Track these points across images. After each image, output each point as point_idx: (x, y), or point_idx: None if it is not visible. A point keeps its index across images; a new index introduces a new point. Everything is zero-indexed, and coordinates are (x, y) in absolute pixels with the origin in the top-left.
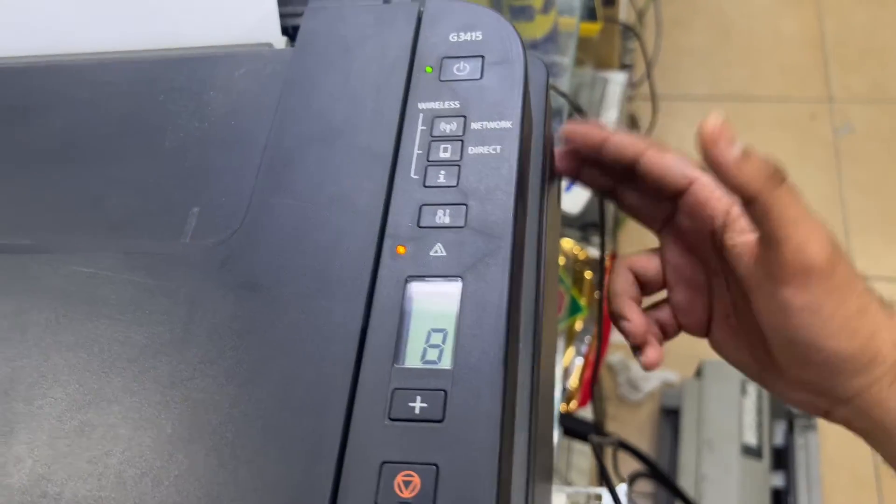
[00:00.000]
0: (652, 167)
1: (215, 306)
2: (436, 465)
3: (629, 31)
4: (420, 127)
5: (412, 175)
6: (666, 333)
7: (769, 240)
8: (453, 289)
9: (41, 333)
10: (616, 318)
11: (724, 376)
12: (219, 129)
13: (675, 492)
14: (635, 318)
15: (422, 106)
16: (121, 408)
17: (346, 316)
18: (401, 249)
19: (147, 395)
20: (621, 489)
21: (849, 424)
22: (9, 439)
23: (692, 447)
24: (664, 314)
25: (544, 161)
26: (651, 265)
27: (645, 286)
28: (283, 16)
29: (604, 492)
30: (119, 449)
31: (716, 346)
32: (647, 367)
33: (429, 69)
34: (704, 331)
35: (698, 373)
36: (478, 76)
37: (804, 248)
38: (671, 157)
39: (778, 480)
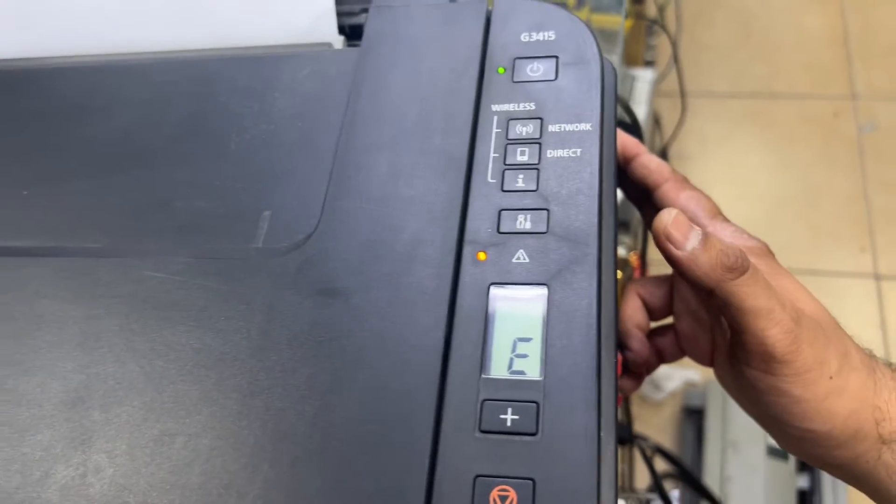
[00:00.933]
0: (665, 203)
1: (293, 313)
2: (532, 479)
3: (652, 27)
4: (495, 129)
5: (489, 179)
6: (664, 358)
7: (731, 327)
8: (539, 296)
9: (115, 340)
10: (619, 345)
11: None
12: (286, 130)
13: (707, 495)
14: (637, 348)
15: (495, 108)
16: (201, 417)
17: (429, 324)
18: (482, 256)
19: (227, 405)
20: (674, 495)
21: (848, 482)
22: (87, 448)
23: (717, 448)
24: (667, 340)
25: (616, 164)
26: (660, 292)
27: (653, 312)
28: (339, 14)
29: (654, 497)
30: (201, 460)
31: (718, 379)
32: (622, 392)
33: (501, 70)
34: (708, 361)
35: None
36: (552, 77)
37: (762, 338)
38: (686, 196)
39: (803, 482)
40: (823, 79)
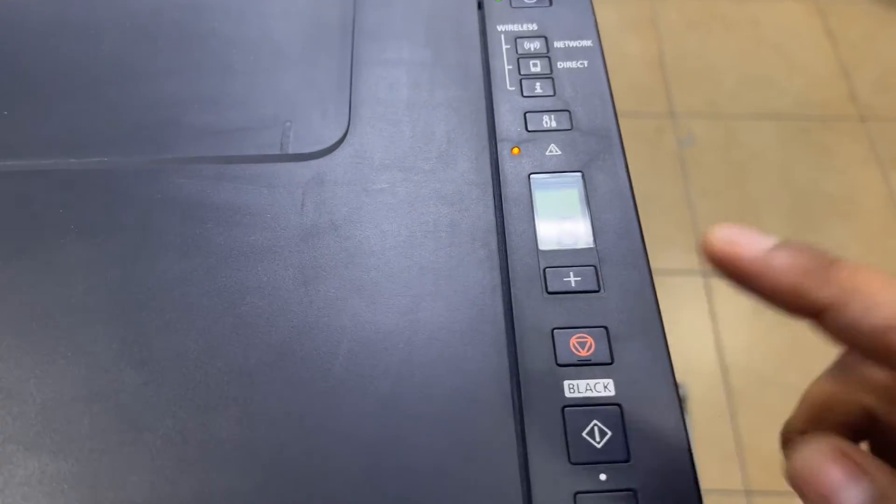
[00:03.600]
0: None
1: (339, 209)
2: (605, 327)
3: None
4: (504, 46)
5: (508, 87)
6: None
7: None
8: (577, 181)
9: (159, 244)
10: None
11: None
12: (291, 51)
13: None
14: None
15: (501, 28)
16: (266, 305)
17: (479, 210)
18: (516, 151)
19: (280, 294)
20: None
21: None
22: (143, 348)
23: None
24: None
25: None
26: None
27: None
28: None
29: None
30: (275, 341)
31: None
32: None
33: None
34: None
35: None
36: (548, 3)
37: None
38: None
39: None
40: (646, 98)
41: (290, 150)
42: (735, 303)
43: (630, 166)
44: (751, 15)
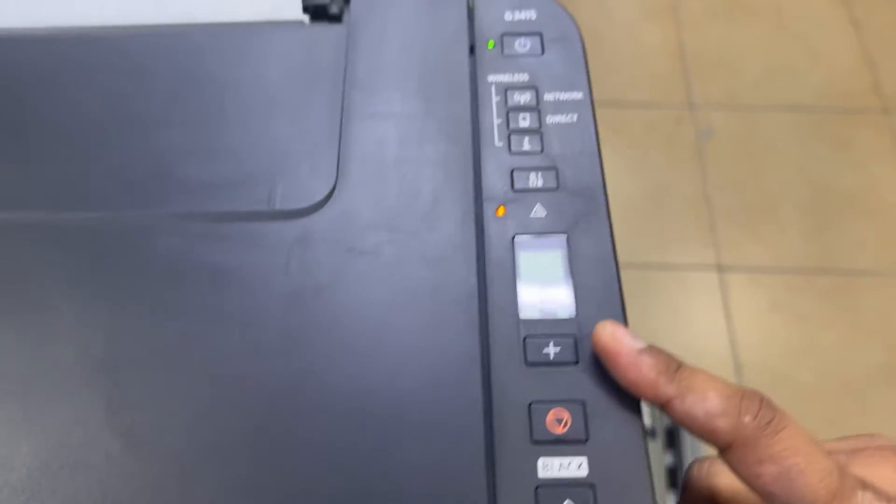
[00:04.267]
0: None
1: (324, 270)
2: (582, 401)
3: None
4: (494, 98)
5: (497, 143)
6: None
7: None
8: (561, 244)
9: (140, 305)
10: None
11: None
12: (283, 101)
13: None
14: None
15: (492, 79)
16: (247, 366)
17: (462, 275)
18: (501, 211)
19: (262, 364)
20: None
21: None
22: (125, 414)
23: None
24: None
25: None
26: None
27: None
28: None
29: None
30: (252, 413)
31: None
32: None
33: (491, 44)
34: None
35: None
36: (539, 52)
37: None
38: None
39: (669, 459)
40: (665, 89)
41: (278, 206)
42: (751, 299)
43: (647, 158)
44: (774, 3)
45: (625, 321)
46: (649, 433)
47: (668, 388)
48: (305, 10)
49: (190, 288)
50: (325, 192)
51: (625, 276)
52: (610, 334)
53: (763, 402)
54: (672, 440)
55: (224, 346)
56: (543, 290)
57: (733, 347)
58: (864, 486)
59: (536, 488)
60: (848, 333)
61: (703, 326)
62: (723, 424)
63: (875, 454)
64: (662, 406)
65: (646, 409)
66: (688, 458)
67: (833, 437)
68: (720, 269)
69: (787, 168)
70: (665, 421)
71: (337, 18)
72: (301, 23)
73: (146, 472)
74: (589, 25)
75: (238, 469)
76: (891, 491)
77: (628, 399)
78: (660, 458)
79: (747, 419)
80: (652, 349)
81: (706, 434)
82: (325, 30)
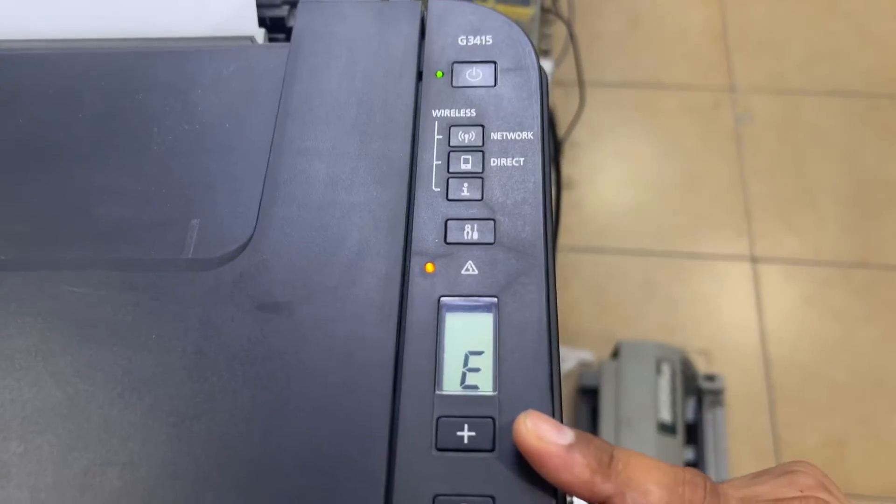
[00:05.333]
0: None
1: (231, 329)
2: (492, 497)
3: (546, 16)
4: (436, 136)
5: (433, 187)
6: None
7: None
8: (489, 308)
9: (31, 361)
10: None
11: (640, 356)
12: (212, 131)
13: None
14: None
15: (436, 113)
16: (135, 445)
17: (378, 339)
18: (430, 267)
19: (164, 430)
20: None
21: None
22: (6, 483)
23: (611, 424)
24: None
25: (549, 172)
26: None
27: None
28: (259, 6)
29: None
30: (138, 491)
31: None
32: None
33: (439, 74)
34: None
35: (615, 353)
36: (492, 83)
37: None
38: None
39: (690, 454)
40: (704, 71)
41: (191, 255)
42: (783, 292)
43: (682, 142)
44: None
45: (552, 401)
46: (669, 429)
47: (604, 487)
48: (262, 23)
49: (90, 343)
50: (243, 239)
51: (653, 263)
52: (533, 432)
53: (707, 488)
54: (692, 436)
55: (117, 414)
56: (465, 361)
57: (763, 341)
58: None
59: None
60: (884, 331)
61: (732, 319)
62: None
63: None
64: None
65: (665, 404)
66: (709, 454)
67: (864, 436)
68: (753, 259)
69: (829, 156)
70: (685, 415)
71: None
72: (252, 39)
73: None
74: (627, 2)
75: None
76: None
77: (543, 498)
78: (679, 454)
79: None
80: (580, 441)
81: None
82: (268, 50)
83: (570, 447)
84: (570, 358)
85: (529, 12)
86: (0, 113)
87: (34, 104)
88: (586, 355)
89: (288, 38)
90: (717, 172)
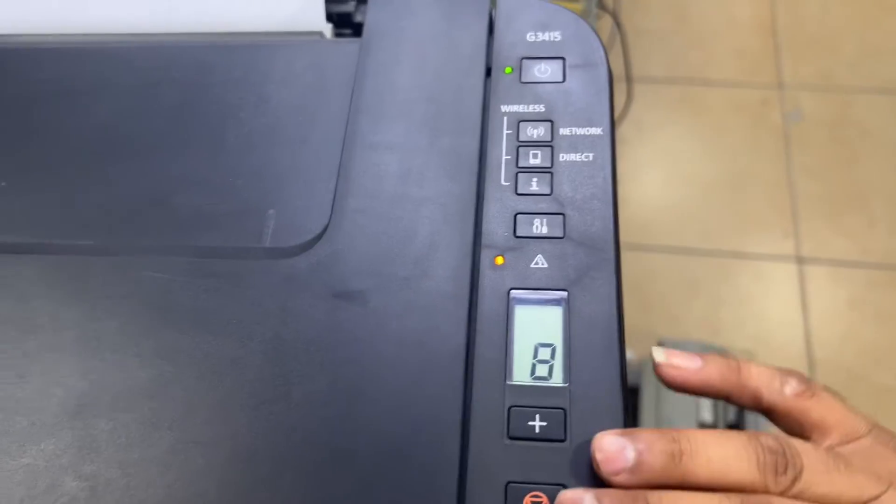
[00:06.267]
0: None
1: (308, 316)
2: (563, 486)
3: (592, 11)
4: (506, 130)
5: (503, 182)
6: None
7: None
8: (559, 302)
9: (117, 344)
10: None
11: None
12: (286, 124)
13: None
14: None
15: (505, 108)
16: (216, 426)
17: (450, 329)
18: (499, 260)
19: (244, 413)
20: None
21: None
22: (96, 458)
23: (651, 423)
24: None
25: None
26: None
27: None
28: (327, 1)
29: None
30: (219, 470)
31: None
32: None
33: (508, 70)
34: None
35: None
36: (560, 79)
37: None
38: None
39: None
40: (753, 67)
41: (268, 243)
42: (830, 294)
43: (729, 140)
44: None
45: (623, 391)
46: (709, 428)
47: (736, 392)
48: (329, 18)
49: (172, 327)
50: (318, 229)
51: (698, 262)
52: (669, 363)
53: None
54: None
55: (197, 395)
56: (534, 352)
57: (808, 343)
58: None
59: None
60: None
61: (777, 319)
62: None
63: None
64: (728, 400)
65: (706, 404)
66: None
67: None
68: (799, 260)
69: (880, 156)
70: (727, 416)
71: (360, 28)
72: (321, 34)
73: None
74: None
75: None
76: None
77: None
78: None
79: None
80: (709, 358)
81: (782, 419)
82: (338, 46)
83: (702, 367)
84: None
85: (578, 8)
86: (84, 104)
87: (116, 96)
88: (628, 354)
89: (354, 34)
90: (764, 171)
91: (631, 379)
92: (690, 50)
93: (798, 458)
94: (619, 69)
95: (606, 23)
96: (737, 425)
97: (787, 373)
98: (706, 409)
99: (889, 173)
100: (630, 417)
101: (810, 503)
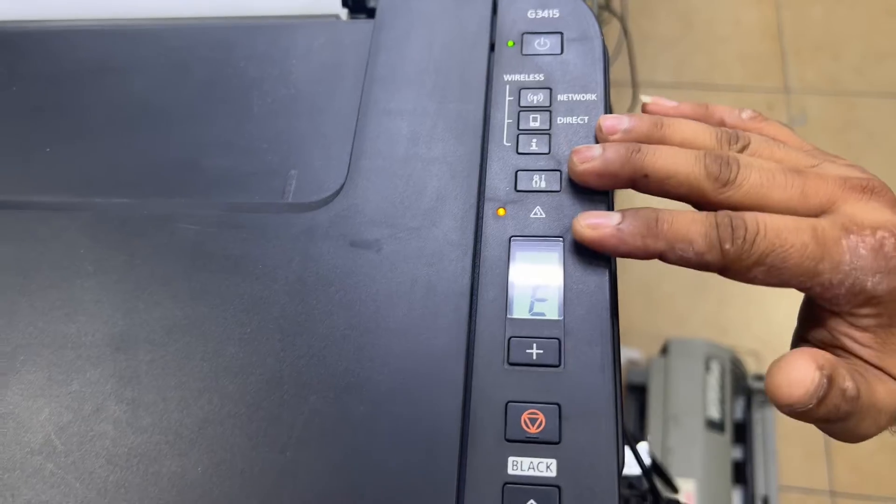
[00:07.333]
0: None
1: (327, 261)
2: (558, 404)
3: (600, 15)
4: (508, 97)
5: (505, 142)
6: None
7: None
8: (556, 248)
9: (155, 287)
10: None
11: (689, 353)
12: (306, 95)
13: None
14: None
15: (507, 78)
16: (247, 356)
17: (456, 272)
18: (501, 211)
19: (271, 345)
20: (642, 447)
21: None
22: (137, 385)
23: (659, 421)
24: None
25: None
26: None
27: None
28: None
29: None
30: (250, 393)
31: None
32: None
33: (510, 43)
34: None
35: (664, 350)
36: (559, 51)
37: None
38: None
39: (738, 453)
40: (758, 72)
41: (291, 199)
42: None
43: None
44: None
45: (612, 325)
46: (717, 426)
47: (658, 245)
48: (345, 3)
49: (204, 272)
50: (336, 187)
51: None
52: (590, 227)
53: (733, 224)
54: (741, 435)
55: (225, 331)
56: (533, 292)
57: None
58: (846, 230)
59: (504, 485)
60: None
61: (784, 319)
62: (711, 258)
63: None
64: (658, 258)
65: (713, 402)
66: (758, 454)
67: None
68: None
69: (885, 159)
70: (734, 414)
71: (374, 12)
72: (337, 17)
73: (150, 443)
74: (680, 1)
75: (232, 440)
76: (868, 219)
77: (606, 405)
78: (727, 452)
79: (727, 246)
80: (627, 217)
81: (701, 268)
82: (354, 25)
83: (619, 226)
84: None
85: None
86: (121, 79)
87: (150, 72)
88: (634, 354)
89: (368, 17)
90: None
91: (637, 378)
92: (696, 54)
93: (746, 136)
94: (625, 74)
95: (614, 28)
96: (743, 423)
97: (719, 223)
98: (713, 405)
99: (894, 176)
100: (618, 346)
101: (760, 158)
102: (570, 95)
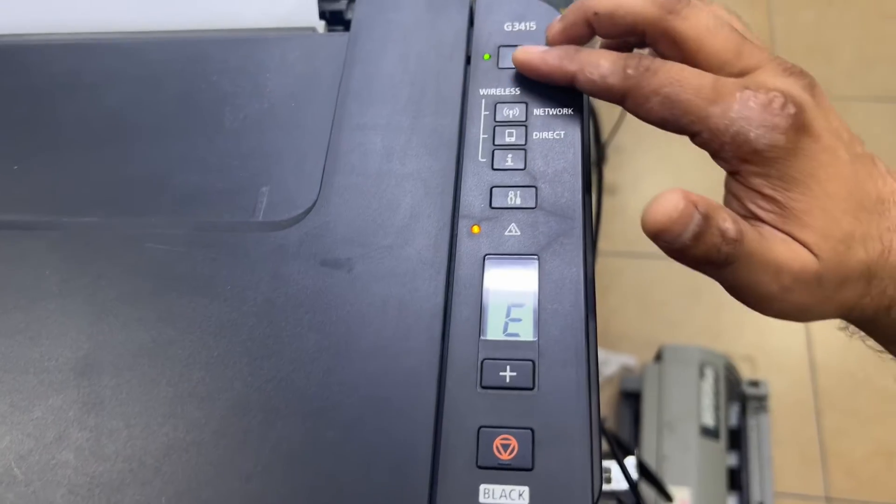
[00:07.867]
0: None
1: (297, 282)
2: (531, 428)
3: None
4: (483, 112)
5: (480, 158)
6: None
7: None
8: (531, 266)
9: (120, 309)
10: None
11: (683, 360)
12: (279, 110)
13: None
14: None
15: (483, 92)
16: (213, 380)
17: (429, 292)
18: (476, 229)
19: (238, 369)
20: (629, 462)
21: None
22: (101, 411)
23: (653, 429)
24: None
25: (589, 145)
26: None
27: None
28: (320, 0)
29: (612, 465)
30: (215, 420)
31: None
32: None
33: (487, 56)
34: None
35: (658, 357)
36: None
37: None
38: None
39: (732, 460)
40: None
41: (261, 217)
42: None
43: None
44: None
45: (587, 344)
46: (712, 433)
47: (571, 66)
48: (322, 16)
49: (171, 293)
50: (308, 204)
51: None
52: (522, 51)
53: (641, 56)
54: (735, 441)
55: (192, 355)
56: (507, 312)
57: (810, 348)
58: (745, 87)
59: None
60: None
61: (778, 325)
62: (613, 81)
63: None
64: (572, 83)
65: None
66: (753, 460)
67: None
68: None
69: None
70: (728, 420)
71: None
72: (314, 29)
73: (113, 471)
74: None
75: (196, 468)
76: (770, 83)
77: (580, 429)
78: (722, 459)
79: (630, 71)
80: (552, 49)
81: (605, 93)
82: (329, 38)
83: (545, 51)
84: (613, 362)
85: None
86: (90, 94)
87: (120, 87)
88: (629, 360)
89: (345, 30)
90: None
91: (631, 385)
92: None
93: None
94: None
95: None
96: (738, 430)
97: (629, 55)
98: (708, 412)
99: None
100: (595, 366)
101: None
102: (546, 110)
